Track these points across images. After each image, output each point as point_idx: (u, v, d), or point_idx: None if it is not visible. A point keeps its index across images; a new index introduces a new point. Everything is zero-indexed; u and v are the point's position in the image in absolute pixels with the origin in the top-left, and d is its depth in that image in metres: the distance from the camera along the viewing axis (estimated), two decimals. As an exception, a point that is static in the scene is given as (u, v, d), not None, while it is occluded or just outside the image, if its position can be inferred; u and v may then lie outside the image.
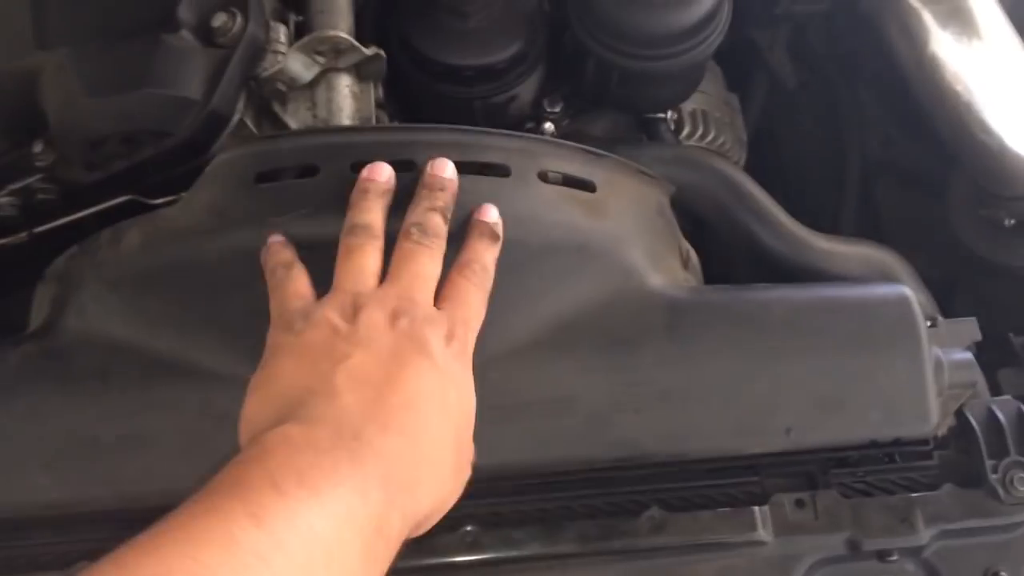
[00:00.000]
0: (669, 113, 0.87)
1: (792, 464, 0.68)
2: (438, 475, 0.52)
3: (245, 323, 0.63)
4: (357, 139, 0.62)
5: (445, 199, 0.60)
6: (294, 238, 0.60)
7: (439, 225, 0.59)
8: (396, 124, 0.64)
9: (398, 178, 0.61)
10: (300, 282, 0.58)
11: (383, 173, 0.59)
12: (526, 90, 0.81)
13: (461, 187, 0.62)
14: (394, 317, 0.54)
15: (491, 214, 0.61)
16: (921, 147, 1.04)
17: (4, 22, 0.69)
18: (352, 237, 0.58)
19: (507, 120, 0.82)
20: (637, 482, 0.68)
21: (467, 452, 0.56)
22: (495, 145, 0.65)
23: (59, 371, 0.64)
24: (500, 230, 0.61)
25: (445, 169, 0.60)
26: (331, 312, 0.54)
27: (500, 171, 0.64)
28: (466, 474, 0.56)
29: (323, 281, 0.58)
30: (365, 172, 0.59)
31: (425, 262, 0.57)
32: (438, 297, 0.57)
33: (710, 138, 0.95)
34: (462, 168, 0.63)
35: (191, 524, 0.41)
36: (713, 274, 0.79)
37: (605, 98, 0.82)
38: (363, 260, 0.57)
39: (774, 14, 1.02)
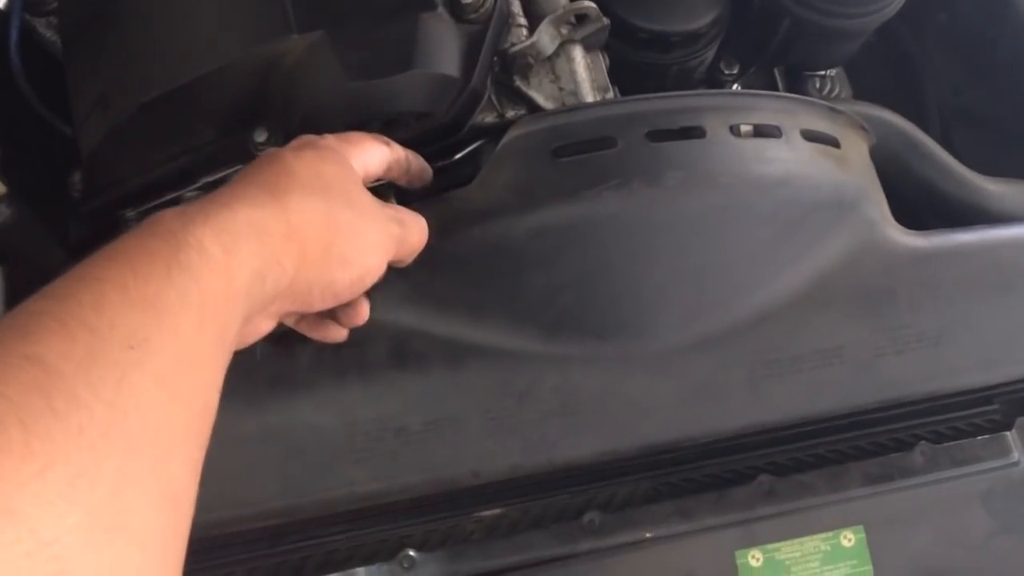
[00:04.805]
0: (827, 71, 0.91)
1: (1020, 391, 0.73)
2: None
3: (544, 299, 0.64)
4: (649, 107, 0.63)
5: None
6: (606, 210, 0.61)
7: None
8: (678, 92, 0.64)
9: (687, 145, 0.63)
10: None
11: None
12: (711, 53, 0.82)
13: (743, 148, 0.64)
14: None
15: None
16: (988, 92, 1.12)
17: (250, 5, 0.66)
18: None
19: (692, 84, 0.83)
20: (886, 422, 0.72)
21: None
22: (765, 107, 0.66)
23: (355, 362, 0.62)
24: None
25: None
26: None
27: (774, 132, 0.66)
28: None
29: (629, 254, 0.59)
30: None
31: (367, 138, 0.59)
32: None
33: (840, 94, 0.99)
34: (740, 131, 0.65)
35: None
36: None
37: (786, 57, 0.85)
38: None
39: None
